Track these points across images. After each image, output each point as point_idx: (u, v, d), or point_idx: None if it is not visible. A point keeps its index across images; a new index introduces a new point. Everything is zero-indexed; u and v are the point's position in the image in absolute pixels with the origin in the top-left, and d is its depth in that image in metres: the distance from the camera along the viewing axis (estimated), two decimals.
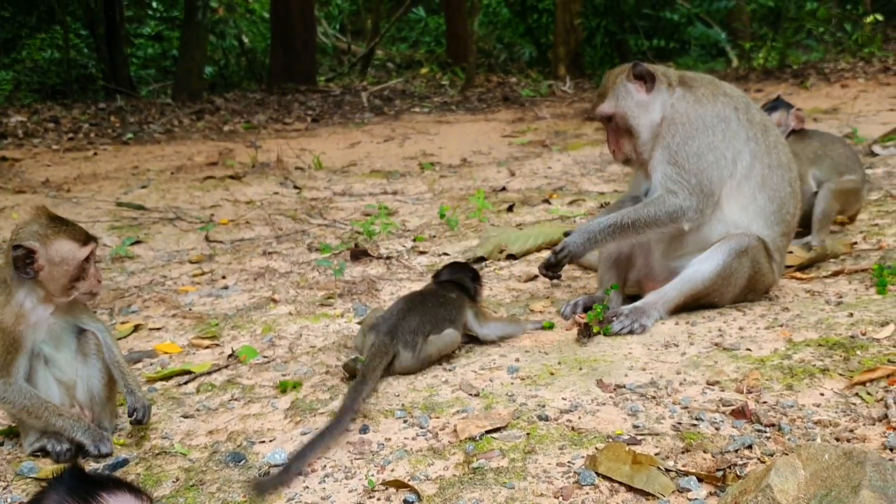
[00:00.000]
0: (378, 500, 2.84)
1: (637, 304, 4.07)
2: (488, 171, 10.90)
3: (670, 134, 4.00)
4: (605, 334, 3.90)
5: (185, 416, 3.66)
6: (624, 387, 3.37)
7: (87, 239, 3.34)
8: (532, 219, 7.26)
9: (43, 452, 3.40)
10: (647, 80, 4.07)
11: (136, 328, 5.00)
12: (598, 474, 2.73)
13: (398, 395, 3.59)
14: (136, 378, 3.57)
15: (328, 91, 18.22)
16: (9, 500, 3.09)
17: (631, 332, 3.90)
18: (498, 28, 23.47)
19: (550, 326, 4.18)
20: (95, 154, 12.92)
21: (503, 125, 14.75)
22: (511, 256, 5.69)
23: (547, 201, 8.11)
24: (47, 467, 3.31)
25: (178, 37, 19.23)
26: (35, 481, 3.23)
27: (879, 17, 21.22)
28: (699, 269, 4.04)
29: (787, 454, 2.25)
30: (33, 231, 3.27)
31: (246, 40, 22.11)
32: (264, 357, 4.30)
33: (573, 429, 3.09)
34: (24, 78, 20.11)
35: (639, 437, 2.96)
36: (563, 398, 3.35)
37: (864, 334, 3.54)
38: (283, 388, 3.80)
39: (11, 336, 3.24)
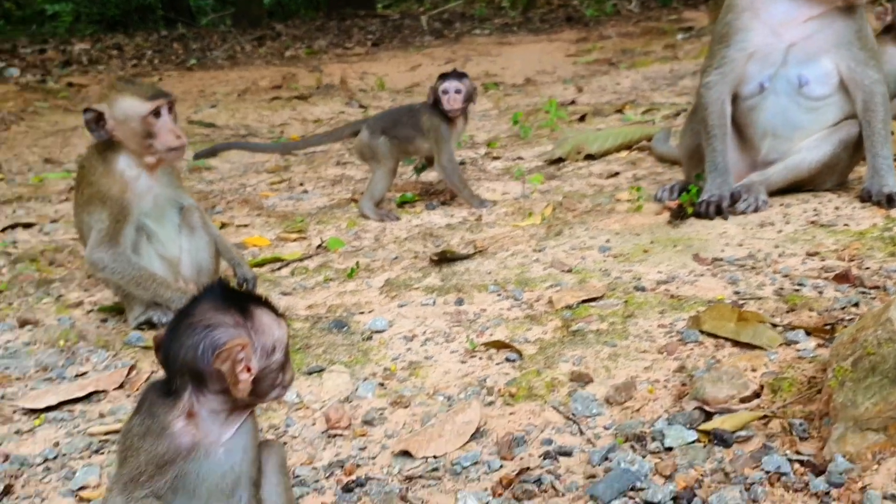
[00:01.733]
0: (480, 358, 2.90)
1: (743, 183, 4.00)
2: (554, 88, 10.77)
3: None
4: (727, 218, 3.84)
5: (284, 294, 3.75)
6: (721, 260, 3.37)
7: (153, 94, 3.37)
8: (606, 126, 7.18)
9: (148, 325, 3.51)
10: None
11: (223, 226, 5.10)
12: (702, 332, 2.75)
13: (490, 273, 3.63)
14: (239, 251, 3.65)
15: (387, 16, 18.09)
16: (118, 366, 3.22)
17: (756, 210, 3.85)
18: None
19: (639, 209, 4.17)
20: (160, 79, 13.03)
21: (567, 45, 14.51)
22: (590, 157, 5.66)
23: (620, 111, 8.01)
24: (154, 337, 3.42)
25: None
26: (142, 349, 3.35)
27: None
28: (806, 157, 3.97)
29: None
30: (101, 94, 3.35)
31: None
32: (352, 247, 4.36)
33: (672, 296, 3.10)
34: (84, 9, 20.28)
35: (741, 302, 2.96)
36: (658, 271, 3.36)
37: None
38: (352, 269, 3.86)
39: (119, 204, 3.32)
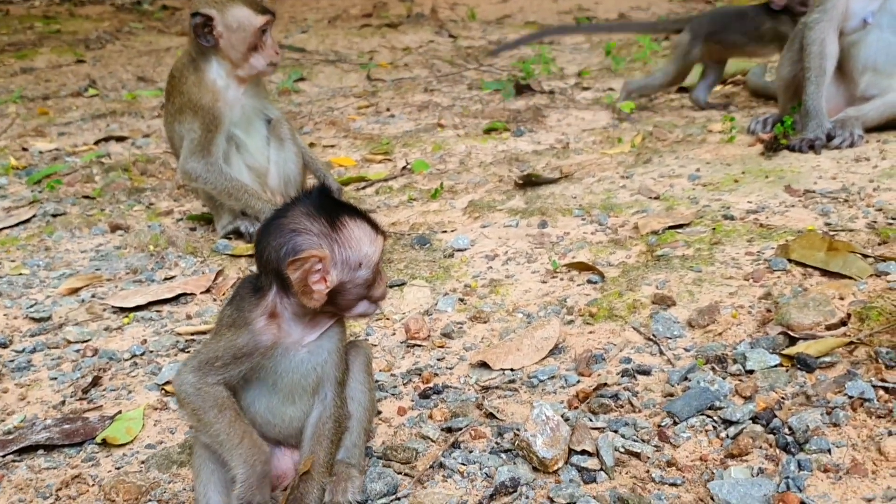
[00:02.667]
0: (561, 279, 2.90)
1: (839, 117, 3.88)
2: None
3: None
4: (820, 152, 3.73)
5: (368, 211, 3.79)
6: (814, 192, 3.28)
7: (263, 9, 3.41)
8: None
9: (236, 234, 3.60)
10: None
11: (311, 146, 5.16)
12: (790, 261, 2.69)
13: (575, 197, 3.60)
14: (326, 165, 3.70)
15: None
16: (206, 272, 3.31)
17: (851, 145, 3.75)
18: None
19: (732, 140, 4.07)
20: None
21: None
22: (683, 90, 5.52)
23: None
24: (240, 245, 3.51)
25: None
26: (230, 257, 3.44)
27: None
28: None
29: None
30: (210, 0, 3.36)
31: None
32: (437, 169, 4.37)
33: (760, 225, 3.03)
34: None
35: (832, 233, 2.88)
36: (748, 201, 3.29)
37: None
38: (434, 193, 3.87)
39: (211, 114, 3.38)
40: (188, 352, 2.71)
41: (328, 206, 1.78)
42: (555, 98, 5.86)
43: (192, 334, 2.83)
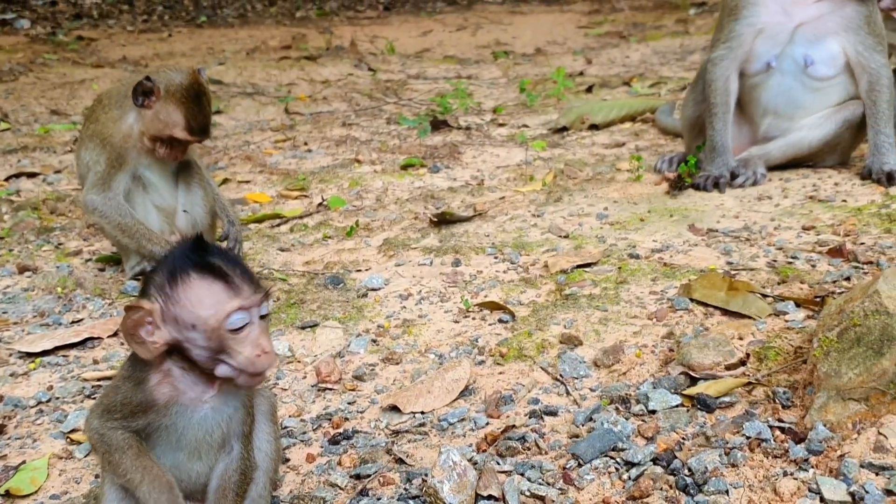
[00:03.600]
0: (473, 319, 2.93)
1: (742, 157, 4.02)
2: (564, 59, 10.71)
3: None
4: (724, 190, 3.85)
5: (282, 250, 3.77)
6: (716, 231, 3.38)
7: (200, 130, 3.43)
8: (612, 98, 7.17)
9: (144, 275, 3.53)
10: None
11: (225, 181, 5.12)
12: (692, 300, 2.77)
13: (488, 236, 3.64)
14: (235, 211, 3.67)
15: None
16: (114, 314, 3.25)
17: (754, 183, 3.88)
18: None
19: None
20: (170, 35, 12.99)
21: (578, 16, 14.43)
22: (594, 127, 5.65)
23: (627, 84, 7.97)
24: None
25: None
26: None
27: None
28: (807, 135, 3.98)
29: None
30: (167, 77, 3.31)
31: None
32: (353, 206, 4.38)
33: (665, 264, 3.12)
34: None
35: (733, 273, 2.97)
36: (653, 240, 3.37)
37: None
38: (351, 231, 3.88)
39: (118, 152, 3.34)
40: (94, 398, 2.65)
41: (180, 259, 1.72)
42: (471, 134, 5.93)
43: (99, 380, 2.77)
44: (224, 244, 3.53)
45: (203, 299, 1.68)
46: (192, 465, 1.82)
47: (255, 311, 1.71)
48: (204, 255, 1.72)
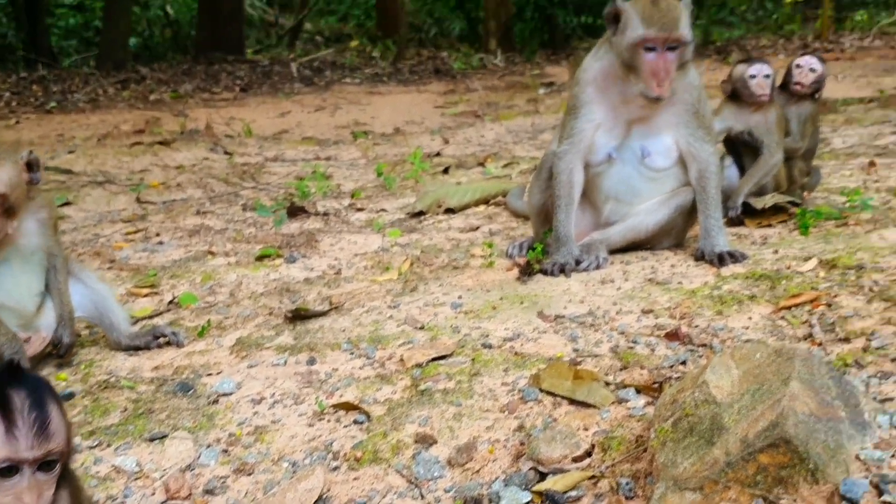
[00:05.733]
0: (328, 421, 2.91)
1: (585, 242, 4.18)
2: (422, 139, 10.94)
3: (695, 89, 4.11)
4: (570, 276, 3.98)
5: (130, 355, 3.66)
6: (564, 317, 3.50)
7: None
8: (467, 180, 7.35)
9: None
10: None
11: None
12: (541, 390, 2.84)
13: (343, 330, 3.65)
14: (71, 312, 3.57)
15: (256, 62, 17.99)
16: None
17: (598, 267, 4.02)
18: (428, 2, 23.43)
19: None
20: (18, 122, 12.57)
21: (435, 96, 14.80)
22: (450, 210, 5.77)
23: (482, 164, 8.21)
24: None
25: (101, 7, 18.71)
26: None
27: None
28: (644, 220, 4.20)
29: (721, 355, 2.38)
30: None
31: (171, 11, 21.65)
32: (205, 302, 4.30)
33: (516, 353, 3.19)
34: None
35: (579, 360, 3.07)
36: (505, 328, 3.45)
37: (788, 268, 3.72)
38: (201, 328, 3.82)
39: None
40: None
41: None
42: (329, 220, 5.95)
43: None
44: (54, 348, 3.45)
45: None
46: None
47: (28, 468, 1.64)
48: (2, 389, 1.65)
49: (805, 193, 5.15)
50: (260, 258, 5.04)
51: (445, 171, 7.79)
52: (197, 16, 18.86)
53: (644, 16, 3.85)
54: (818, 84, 4.90)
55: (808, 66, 4.87)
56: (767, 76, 4.70)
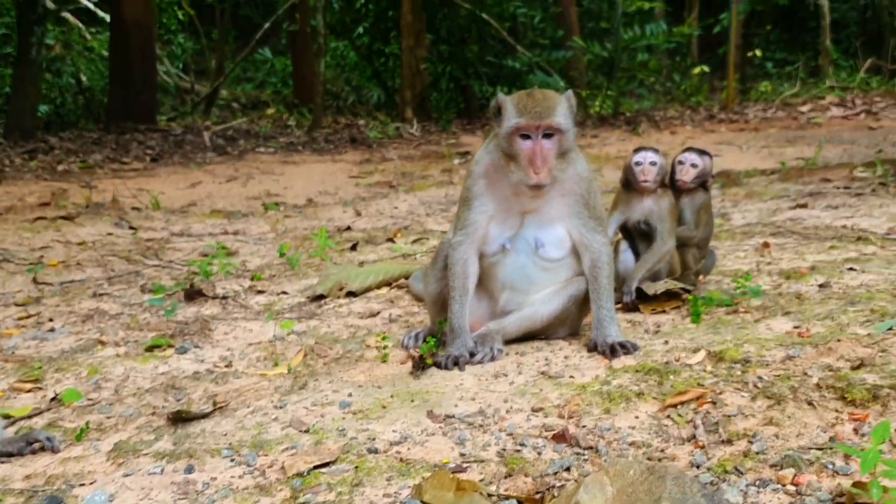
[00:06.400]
0: None
1: (481, 332, 4.15)
2: (334, 210, 10.91)
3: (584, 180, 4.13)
4: (464, 369, 3.92)
5: (1, 462, 3.46)
6: (453, 417, 3.43)
7: None
8: (375, 257, 7.30)
9: None
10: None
11: None
12: (423, 503, 2.76)
13: (226, 434, 3.52)
14: None
15: (169, 130, 17.79)
16: None
17: (492, 359, 3.99)
18: (346, 71, 23.61)
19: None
20: None
21: (350, 166, 14.82)
22: (351, 294, 5.70)
23: (391, 240, 8.18)
24: None
25: (10, 74, 18.33)
26: None
27: (706, 69, 22.69)
28: (539, 309, 4.20)
29: (596, 472, 2.34)
30: None
31: (84, 79, 21.34)
32: (89, 399, 4.13)
33: (401, 460, 3.11)
34: None
35: (465, 465, 3.01)
36: (393, 430, 3.37)
37: (677, 360, 3.74)
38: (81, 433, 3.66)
39: None
40: None
41: None
42: (227, 305, 5.82)
43: None
44: None
45: None
46: None
47: None
48: None
49: (700, 277, 5.23)
50: (150, 348, 4.88)
51: (353, 247, 7.74)
52: (109, 84, 18.61)
53: (519, 105, 3.96)
54: (702, 178, 5.01)
55: (689, 163, 4.98)
56: (653, 163, 4.79)
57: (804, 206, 8.43)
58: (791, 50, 26.45)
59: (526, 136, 3.93)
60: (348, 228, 9.27)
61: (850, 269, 5.22)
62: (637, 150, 4.91)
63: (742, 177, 11.47)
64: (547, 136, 3.93)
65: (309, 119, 18.96)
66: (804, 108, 18.69)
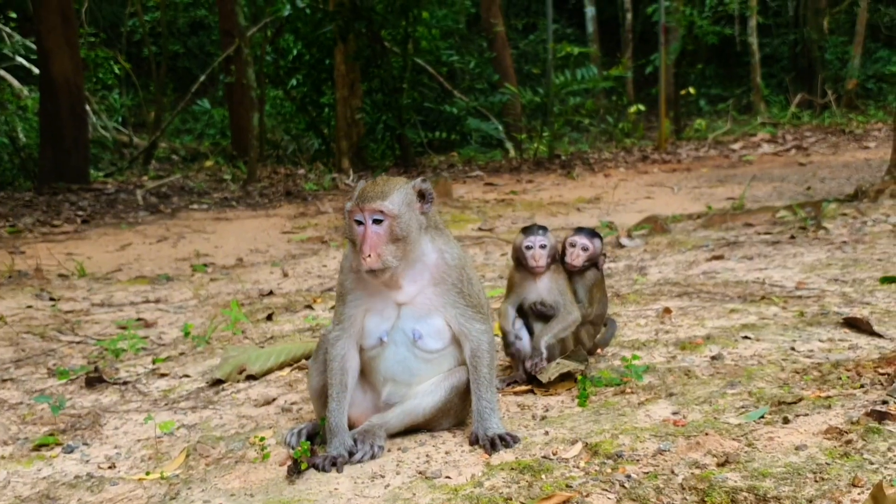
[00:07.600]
0: None
1: (363, 428, 4.08)
2: (261, 271, 10.82)
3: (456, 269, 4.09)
4: (342, 469, 3.84)
5: None
6: None
7: None
8: (291, 328, 7.22)
9: None
10: (427, 199, 4.02)
11: None
12: None
13: None
14: None
15: (102, 189, 17.57)
16: None
17: (373, 457, 3.91)
18: (285, 120, 23.58)
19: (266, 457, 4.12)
20: None
21: (284, 221, 14.75)
22: (251, 377, 5.60)
23: (310, 307, 8.12)
24: None
25: None
26: None
27: (641, 108, 23.03)
28: (421, 402, 4.14)
29: None
30: None
31: (22, 137, 21.06)
32: None
33: None
34: None
35: None
36: None
37: (554, 454, 3.70)
38: None
39: None
40: None
41: None
42: (126, 392, 5.68)
43: None
44: None
45: None
46: None
47: None
48: None
49: (599, 349, 5.22)
50: (38, 447, 4.74)
51: (269, 317, 7.65)
52: (39, 144, 18.38)
53: (357, 191, 3.98)
54: (592, 260, 5.01)
55: (579, 246, 4.97)
56: (543, 246, 4.79)
57: (720, 257, 8.51)
58: (726, 86, 26.98)
59: (359, 222, 3.92)
60: (270, 293, 9.18)
61: (745, 337, 5.24)
62: (526, 233, 4.88)
63: (669, 222, 11.59)
64: (377, 221, 3.91)
65: (245, 172, 18.85)
66: (736, 146, 19.00)
